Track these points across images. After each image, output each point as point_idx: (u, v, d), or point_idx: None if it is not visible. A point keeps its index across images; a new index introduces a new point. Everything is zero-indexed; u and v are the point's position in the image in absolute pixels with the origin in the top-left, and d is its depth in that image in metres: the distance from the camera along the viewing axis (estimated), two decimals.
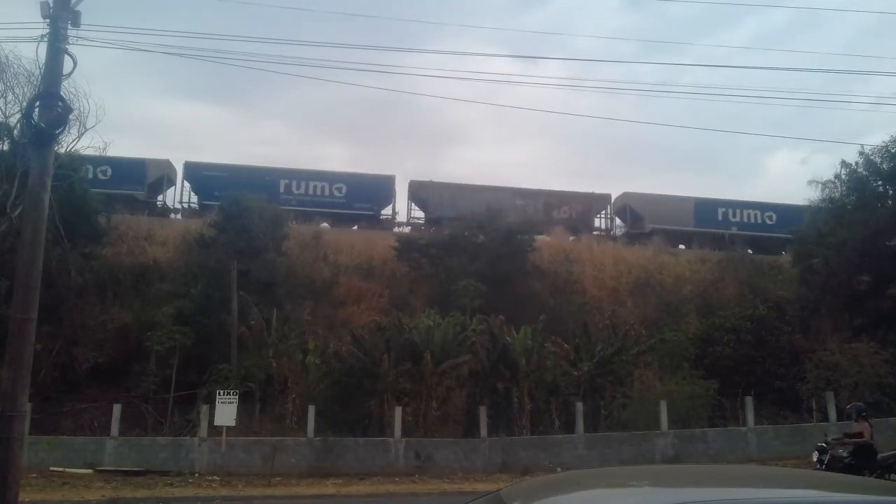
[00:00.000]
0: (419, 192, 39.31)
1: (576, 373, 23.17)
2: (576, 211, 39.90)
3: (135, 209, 34.97)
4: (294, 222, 33.30)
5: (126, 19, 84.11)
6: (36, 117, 8.49)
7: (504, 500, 3.17)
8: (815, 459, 12.58)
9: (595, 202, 41.05)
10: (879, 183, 28.59)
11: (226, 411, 18.91)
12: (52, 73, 8.56)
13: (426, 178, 39.96)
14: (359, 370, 22.45)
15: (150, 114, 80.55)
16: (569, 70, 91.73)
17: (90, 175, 32.89)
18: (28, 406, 8.85)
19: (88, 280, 24.55)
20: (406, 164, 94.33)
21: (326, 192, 37.46)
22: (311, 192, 37.28)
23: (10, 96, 23.00)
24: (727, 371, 24.80)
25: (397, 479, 18.81)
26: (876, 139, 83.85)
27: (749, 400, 21.47)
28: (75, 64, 8.61)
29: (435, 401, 22.06)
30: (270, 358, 22.45)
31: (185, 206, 38.27)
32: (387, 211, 39.64)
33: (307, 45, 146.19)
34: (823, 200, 30.13)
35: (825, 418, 21.55)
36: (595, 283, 32.83)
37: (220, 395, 19.25)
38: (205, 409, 19.63)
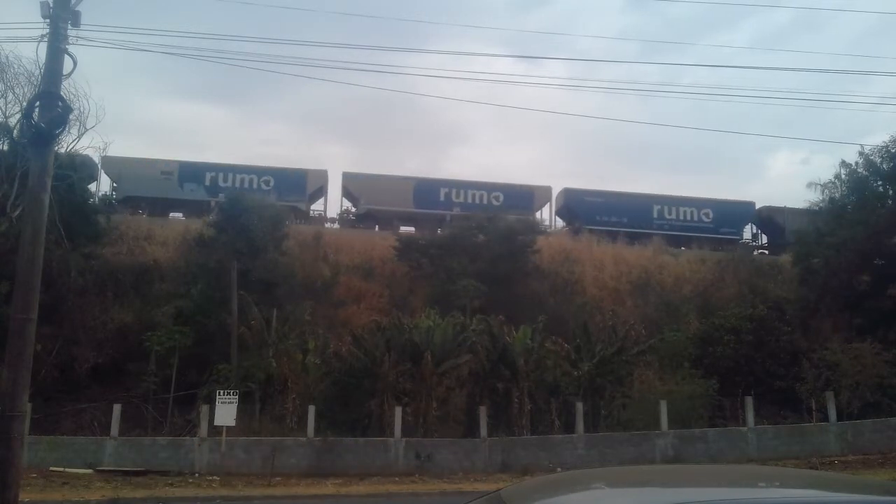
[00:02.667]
0: (776, 217, 39.59)
1: (576, 373, 23.14)
2: None
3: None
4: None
5: (126, 19, 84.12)
6: (36, 117, 8.47)
7: (504, 500, 3.17)
8: None
9: None
10: (879, 183, 28.59)
11: (226, 411, 18.90)
12: (52, 73, 8.54)
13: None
14: (359, 370, 22.46)
15: (149, 114, 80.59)
16: (571, 70, 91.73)
17: (478, 200, 37.79)
18: (28, 406, 8.84)
19: (88, 280, 24.52)
20: (408, 164, 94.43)
21: (695, 217, 38.83)
22: (681, 216, 38.82)
23: (10, 96, 23.08)
24: (727, 371, 24.81)
25: (397, 479, 18.78)
26: (876, 139, 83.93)
27: (749, 400, 21.44)
28: (75, 64, 8.60)
29: (435, 401, 22.04)
30: (270, 358, 22.41)
31: (567, 229, 39.70)
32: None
33: (308, 45, 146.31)
34: (824, 201, 30.14)
35: (825, 418, 21.56)
36: (595, 283, 32.82)
37: (220, 395, 19.24)
38: (205, 409, 19.61)
